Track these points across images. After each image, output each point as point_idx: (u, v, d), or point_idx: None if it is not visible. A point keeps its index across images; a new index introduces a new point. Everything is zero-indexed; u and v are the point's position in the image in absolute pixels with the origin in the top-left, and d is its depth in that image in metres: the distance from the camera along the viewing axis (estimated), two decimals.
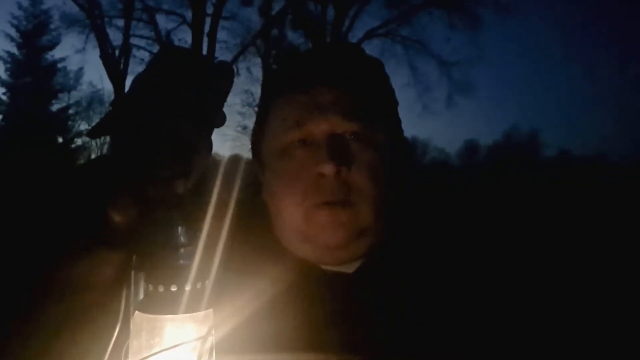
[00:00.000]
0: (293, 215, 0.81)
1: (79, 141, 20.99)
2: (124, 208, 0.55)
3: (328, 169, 0.77)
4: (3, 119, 19.42)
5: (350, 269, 0.84)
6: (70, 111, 21.16)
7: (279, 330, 0.76)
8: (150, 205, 0.55)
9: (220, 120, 0.58)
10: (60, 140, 20.53)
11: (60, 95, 20.68)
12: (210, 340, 0.54)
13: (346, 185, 0.79)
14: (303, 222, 0.80)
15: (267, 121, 0.88)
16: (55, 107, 20.43)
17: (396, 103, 0.93)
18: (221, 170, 0.60)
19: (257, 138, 0.90)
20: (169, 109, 0.54)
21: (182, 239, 0.54)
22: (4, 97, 19.52)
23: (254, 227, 0.86)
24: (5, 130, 18.84)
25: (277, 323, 0.76)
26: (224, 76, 0.58)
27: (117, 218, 0.56)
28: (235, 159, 0.65)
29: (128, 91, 0.57)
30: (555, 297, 0.87)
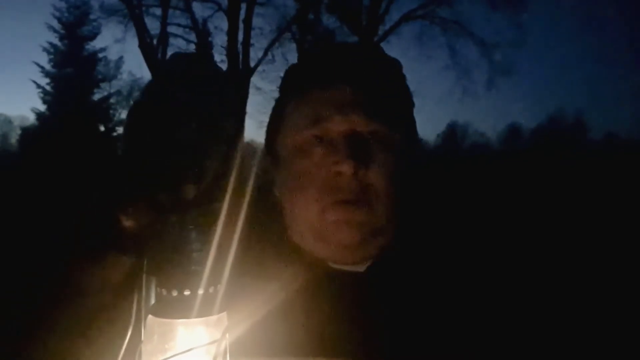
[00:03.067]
0: (307, 212, 0.80)
1: (120, 130, 21.41)
2: (135, 214, 0.56)
3: (346, 168, 0.76)
4: (47, 109, 19.97)
5: (362, 268, 0.83)
6: (112, 100, 21.63)
7: (291, 332, 0.76)
8: (162, 211, 0.55)
9: (234, 129, 0.58)
10: (102, 128, 21.02)
11: (101, 84, 21.15)
12: (225, 343, 0.55)
13: (362, 184, 0.78)
14: (317, 219, 0.80)
15: (284, 117, 0.87)
16: (96, 96, 20.91)
17: (412, 104, 0.91)
18: (235, 169, 0.60)
19: (273, 133, 0.89)
20: (178, 115, 0.54)
21: (195, 244, 0.55)
22: (47, 88, 20.08)
23: (267, 225, 0.86)
24: (49, 120, 19.40)
25: (289, 326, 0.76)
26: (233, 83, 0.58)
27: (128, 223, 0.56)
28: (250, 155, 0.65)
29: (139, 98, 0.58)
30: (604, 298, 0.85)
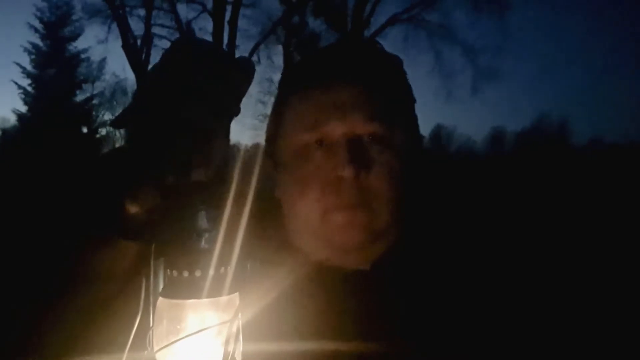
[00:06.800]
0: (309, 216, 0.80)
1: (103, 131, 21.22)
2: (143, 198, 0.55)
3: (347, 172, 0.76)
4: (29, 110, 19.70)
5: (366, 266, 0.82)
6: (94, 101, 21.38)
7: (295, 325, 0.76)
8: (171, 194, 0.55)
9: (236, 112, 0.58)
10: (85, 130, 20.79)
11: (84, 85, 20.88)
12: (237, 323, 0.54)
13: (364, 187, 0.77)
14: (319, 223, 0.79)
15: (283, 118, 0.85)
16: (79, 97, 20.64)
17: (414, 100, 0.90)
18: (240, 159, 0.60)
19: (272, 135, 0.88)
20: (187, 98, 0.54)
21: (204, 226, 0.54)
22: (29, 89, 19.81)
23: (270, 223, 0.86)
24: (31, 121, 19.15)
25: (296, 325, 0.76)
26: (243, 70, 0.58)
27: (136, 208, 0.56)
28: (254, 149, 0.65)
29: (146, 80, 0.57)
30: (593, 296, 0.85)
